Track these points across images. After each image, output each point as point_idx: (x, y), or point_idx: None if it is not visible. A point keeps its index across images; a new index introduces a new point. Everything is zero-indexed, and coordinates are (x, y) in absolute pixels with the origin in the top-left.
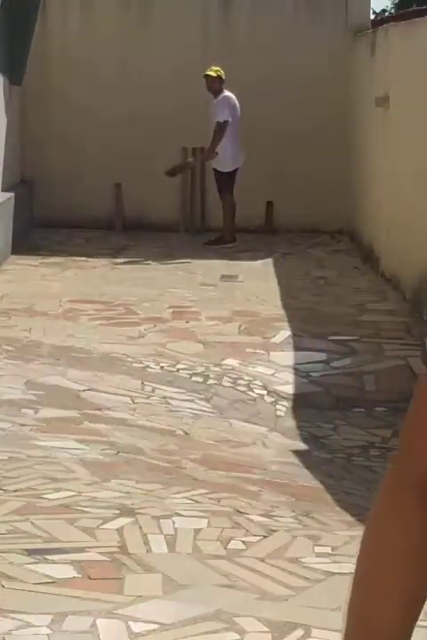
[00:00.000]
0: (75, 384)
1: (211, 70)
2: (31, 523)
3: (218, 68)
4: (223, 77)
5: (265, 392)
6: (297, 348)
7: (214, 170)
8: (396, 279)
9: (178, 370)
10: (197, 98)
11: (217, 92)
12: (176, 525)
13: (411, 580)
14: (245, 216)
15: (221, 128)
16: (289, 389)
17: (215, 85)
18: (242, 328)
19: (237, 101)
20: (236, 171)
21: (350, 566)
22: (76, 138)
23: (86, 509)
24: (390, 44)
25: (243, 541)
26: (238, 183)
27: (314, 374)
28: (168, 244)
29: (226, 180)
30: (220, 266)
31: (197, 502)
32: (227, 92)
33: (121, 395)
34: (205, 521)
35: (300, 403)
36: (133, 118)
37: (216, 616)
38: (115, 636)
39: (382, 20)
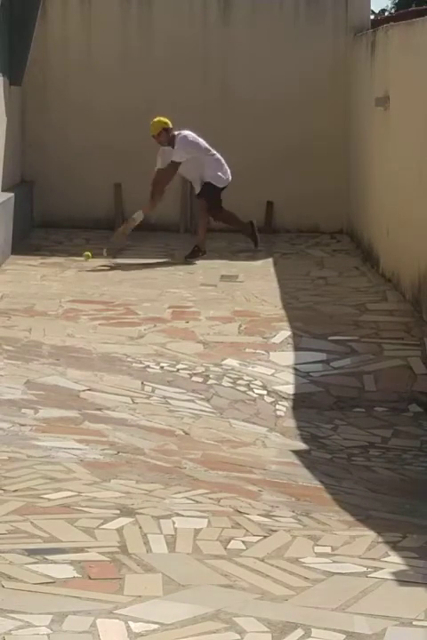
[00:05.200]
0: (75, 384)
1: (152, 129)
2: (31, 523)
3: (158, 120)
4: (168, 125)
5: (265, 392)
6: (297, 348)
7: (208, 183)
8: (396, 279)
9: (178, 370)
10: (198, 99)
11: (171, 142)
12: (176, 525)
13: None
14: (245, 216)
15: (171, 168)
16: (289, 389)
17: (163, 138)
18: (242, 328)
19: (191, 132)
20: (223, 188)
21: (350, 566)
22: (76, 138)
23: (86, 509)
24: (390, 43)
25: (243, 541)
26: (238, 183)
27: (314, 374)
28: (168, 244)
29: (216, 196)
30: (220, 266)
31: (197, 502)
32: (182, 132)
33: (121, 395)
34: (205, 521)
35: (300, 403)
36: (134, 118)
37: (216, 616)
38: (115, 636)
39: (382, 19)
